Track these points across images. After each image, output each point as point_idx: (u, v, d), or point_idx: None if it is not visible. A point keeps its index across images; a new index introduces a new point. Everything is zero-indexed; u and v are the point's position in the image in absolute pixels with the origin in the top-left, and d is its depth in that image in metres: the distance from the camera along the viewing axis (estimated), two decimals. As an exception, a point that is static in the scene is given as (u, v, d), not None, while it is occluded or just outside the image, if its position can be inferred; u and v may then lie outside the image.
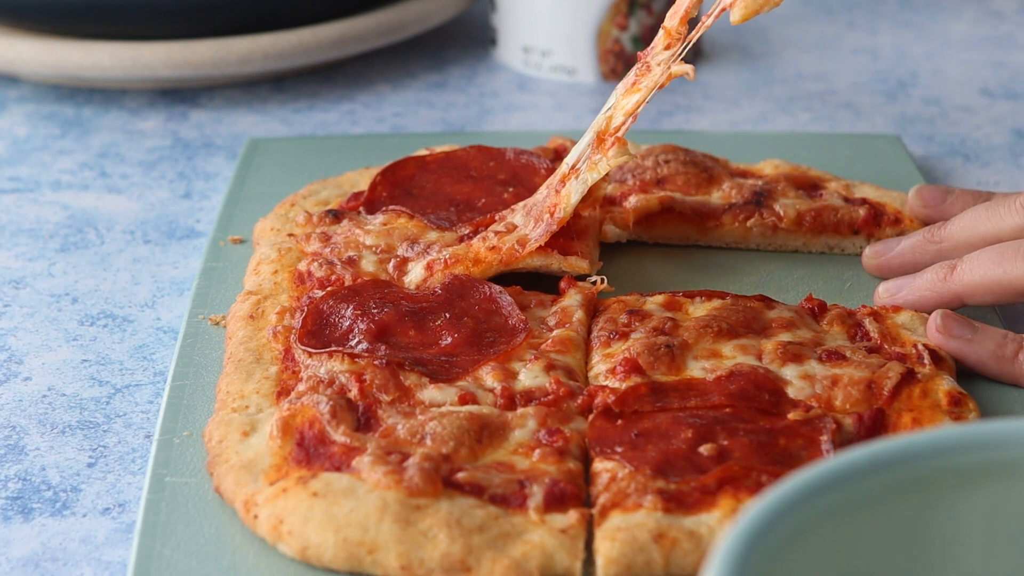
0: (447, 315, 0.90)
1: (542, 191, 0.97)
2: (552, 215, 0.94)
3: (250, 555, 0.75)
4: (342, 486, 0.76)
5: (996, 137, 1.24)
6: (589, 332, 0.91)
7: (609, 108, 0.95)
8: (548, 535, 0.74)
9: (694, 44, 1.37)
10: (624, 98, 0.94)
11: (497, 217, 0.98)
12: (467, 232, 0.98)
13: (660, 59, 0.94)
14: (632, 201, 1.01)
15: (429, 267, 0.94)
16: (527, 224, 0.96)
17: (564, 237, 0.95)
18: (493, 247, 0.94)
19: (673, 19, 0.94)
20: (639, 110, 0.93)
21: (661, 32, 0.95)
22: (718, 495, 0.76)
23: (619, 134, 0.93)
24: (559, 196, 0.95)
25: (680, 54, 0.94)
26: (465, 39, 1.44)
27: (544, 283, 0.95)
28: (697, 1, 0.94)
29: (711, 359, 0.86)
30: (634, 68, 0.95)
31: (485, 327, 0.89)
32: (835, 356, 0.86)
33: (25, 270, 1.05)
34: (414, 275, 0.94)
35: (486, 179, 1.05)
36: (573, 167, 0.95)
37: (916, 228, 1.01)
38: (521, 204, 0.98)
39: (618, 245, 1.02)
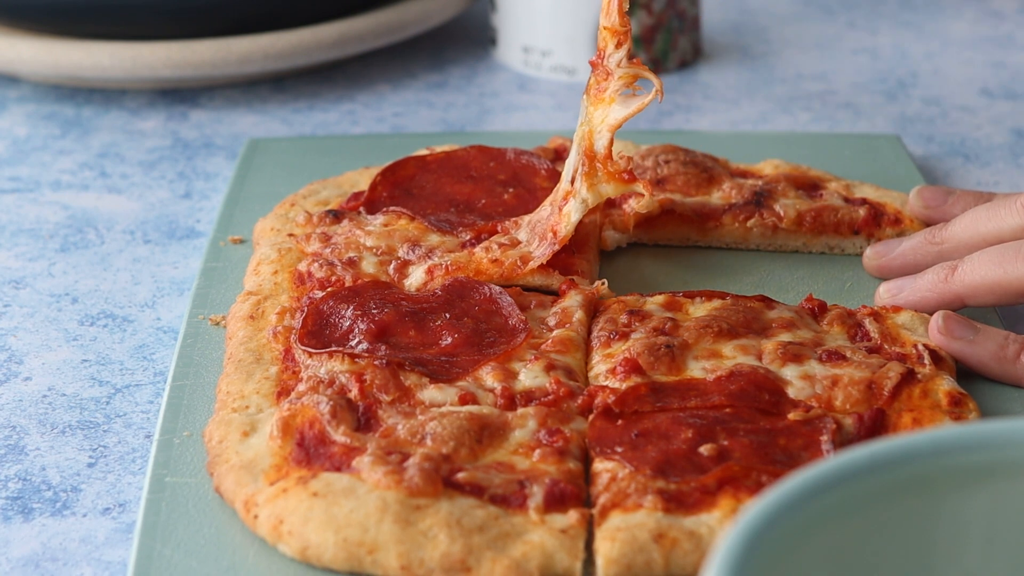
0: (447, 315, 0.90)
1: (546, 207, 0.97)
2: (555, 234, 0.94)
3: (250, 555, 0.75)
4: (342, 486, 0.76)
5: (996, 137, 1.24)
6: (589, 332, 0.91)
7: (584, 121, 0.95)
8: (548, 535, 0.74)
9: (694, 44, 1.37)
10: (598, 110, 0.94)
11: (500, 228, 0.98)
12: (469, 238, 0.98)
13: (617, 58, 0.93)
14: (632, 205, 1.01)
15: (430, 272, 0.94)
16: (531, 241, 0.96)
17: (564, 251, 0.95)
18: (495, 260, 0.94)
19: (610, 17, 0.93)
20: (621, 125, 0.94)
21: (605, 33, 0.94)
22: (718, 495, 0.76)
23: (609, 154, 0.93)
24: (561, 215, 0.94)
25: (629, 48, 0.93)
26: (465, 39, 1.44)
27: (544, 283, 0.96)
28: None
29: (711, 359, 0.86)
30: (592, 76, 0.95)
31: (485, 327, 0.89)
32: (835, 356, 0.86)
33: (25, 270, 1.05)
34: (415, 279, 0.94)
35: (486, 179, 1.05)
36: (572, 183, 0.95)
37: (916, 228, 1.01)
38: (526, 220, 0.98)
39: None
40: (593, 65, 0.94)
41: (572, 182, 0.95)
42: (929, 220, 1.01)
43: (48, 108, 1.29)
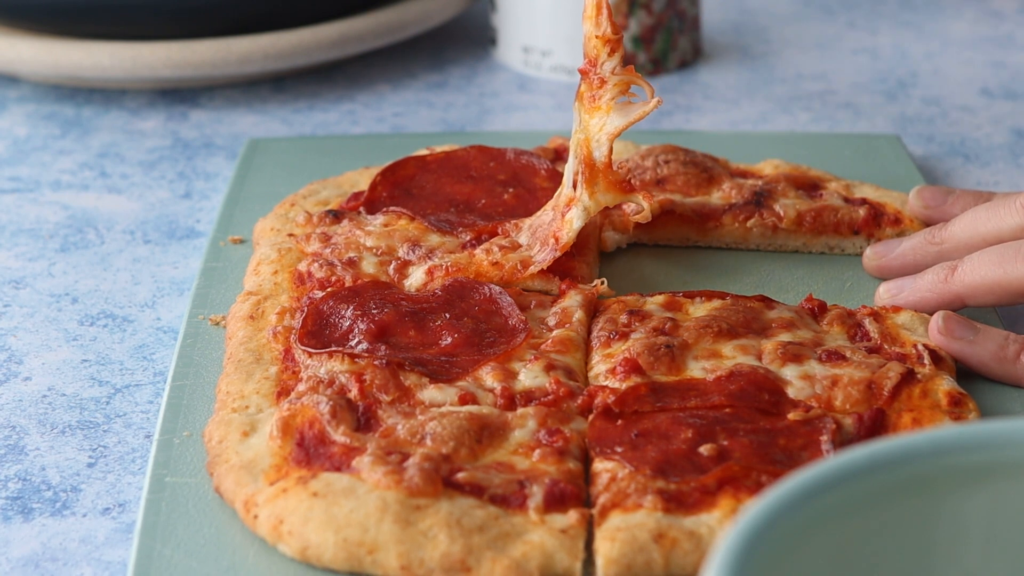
0: (447, 315, 0.90)
1: (548, 212, 0.97)
2: (557, 240, 0.94)
3: (250, 555, 0.75)
4: (342, 486, 0.76)
5: (996, 137, 1.24)
6: (589, 332, 0.91)
7: (580, 128, 0.94)
8: (548, 535, 0.74)
9: (694, 44, 1.37)
10: (594, 118, 0.94)
11: (500, 230, 0.98)
12: (469, 239, 0.98)
13: (611, 66, 0.93)
14: (631, 207, 1.01)
15: (430, 273, 0.94)
16: (532, 245, 0.96)
17: (564, 254, 0.95)
18: (496, 263, 0.94)
19: (601, 25, 0.93)
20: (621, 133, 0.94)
21: (596, 41, 0.94)
22: (718, 495, 0.76)
23: (609, 163, 0.93)
24: (564, 221, 0.94)
25: (622, 57, 0.94)
26: (465, 39, 1.44)
27: (544, 283, 0.95)
28: None
29: (711, 359, 0.86)
30: (582, 84, 0.94)
31: (485, 327, 0.89)
32: (835, 356, 0.86)
33: (25, 270, 1.05)
34: (415, 279, 0.94)
35: (486, 179, 1.05)
36: (574, 188, 0.95)
37: (916, 228, 1.01)
38: (527, 223, 0.98)
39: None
40: (583, 73, 0.94)
41: (574, 187, 0.95)
42: (929, 220, 1.01)
43: (48, 108, 1.29)
